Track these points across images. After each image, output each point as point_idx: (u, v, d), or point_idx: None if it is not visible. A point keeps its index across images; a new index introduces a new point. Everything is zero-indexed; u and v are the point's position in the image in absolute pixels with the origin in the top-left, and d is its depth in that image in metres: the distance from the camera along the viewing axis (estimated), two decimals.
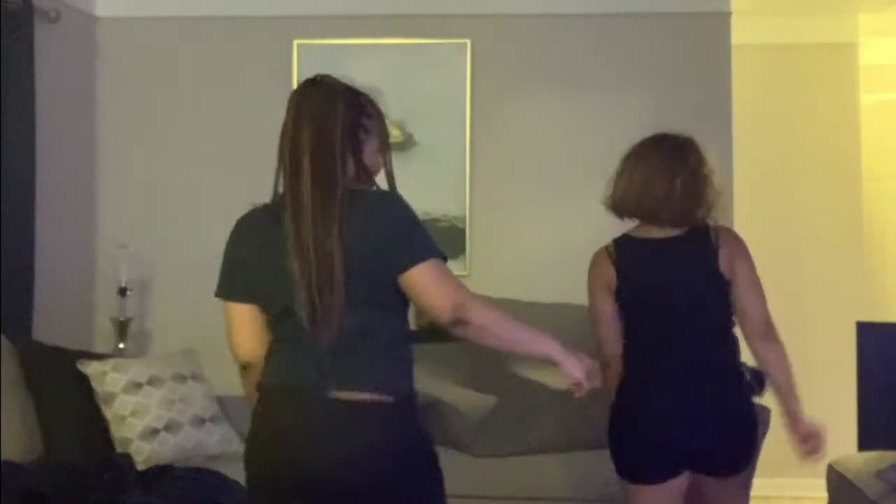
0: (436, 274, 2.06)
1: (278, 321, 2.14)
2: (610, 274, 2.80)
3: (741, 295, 2.73)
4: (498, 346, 2.15)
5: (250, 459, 2.14)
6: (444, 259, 2.10)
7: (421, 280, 2.05)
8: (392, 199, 2.12)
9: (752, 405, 2.77)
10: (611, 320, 2.82)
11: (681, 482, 2.74)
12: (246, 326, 2.18)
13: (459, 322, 2.05)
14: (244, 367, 2.22)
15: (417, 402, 2.15)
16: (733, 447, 2.75)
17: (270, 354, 2.16)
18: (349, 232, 2.03)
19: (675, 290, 2.76)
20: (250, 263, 2.15)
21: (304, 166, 2.06)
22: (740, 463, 2.77)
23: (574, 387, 2.13)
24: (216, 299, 2.21)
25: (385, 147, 2.21)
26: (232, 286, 2.18)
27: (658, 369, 2.76)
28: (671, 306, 2.76)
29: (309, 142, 2.07)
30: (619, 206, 2.82)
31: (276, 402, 2.10)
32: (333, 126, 2.10)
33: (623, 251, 2.81)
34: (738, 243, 2.78)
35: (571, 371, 2.11)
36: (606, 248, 2.85)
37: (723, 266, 2.73)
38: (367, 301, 2.06)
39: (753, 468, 2.89)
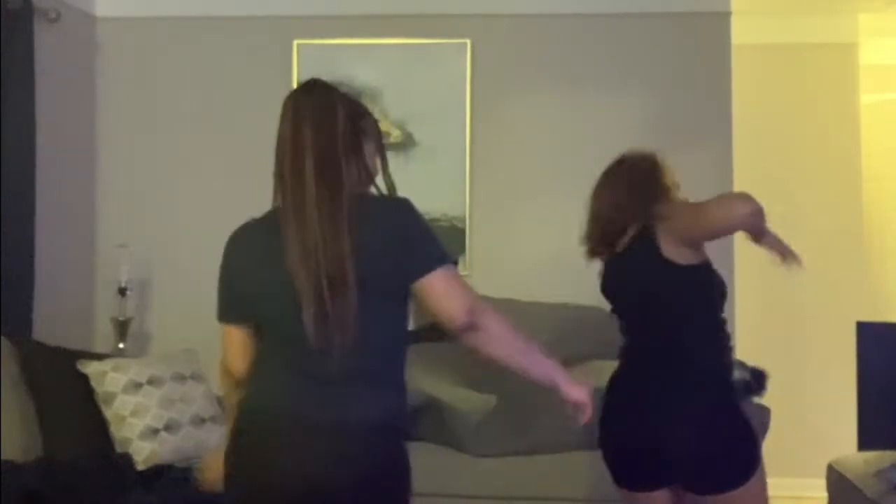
0: (450, 280, 2.06)
1: (274, 340, 2.09)
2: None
3: (692, 222, 2.59)
4: (502, 358, 2.12)
5: (236, 480, 2.08)
6: (455, 263, 2.13)
7: (437, 286, 2.04)
8: (404, 204, 2.11)
9: (735, 414, 2.59)
10: None
11: (664, 495, 2.63)
12: (244, 348, 2.14)
13: (472, 327, 2.06)
14: (238, 384, 2.16)
15: (406, 427, 2.15)
16: (707, 460, 2.54)
17: (260, 375, 2.10)
18: (359, 235, 2.00)
19: (636, 302, 2.73)
20: (244, 280, 2.11)
21: (308, 169, 2.03)
22: (722, 480, 2.54)
23: (577, 408, 2.13)
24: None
25: (381, 148, 2.20)
26: (230, 308, 2.14)
27: (628, 376, 2.73)
28: (637, 317, 2.74)
29: (311, 144, 2.05)
30: (588, 241, 2.82)
31: (265, 425, 2.04)
32: (334, 128, 2.08)
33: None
34: (667, 212, 2.66)
35: (575, 394, 2.12)
36: None
37: (665, 248, 2.61)
38: (373, 309, 2.02)
39: (755, 489, 2.58)
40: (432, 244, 2.09)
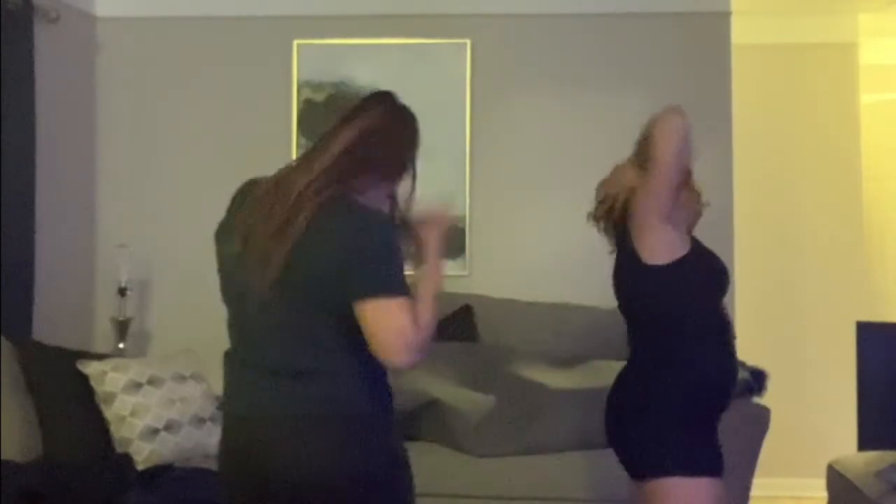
0: (383, 313, 1.93)
1: (231, 327, 2.11)
2: None
3: (657, 183, 2.54)
4: None
5: (225, 478, 2.14)
6: (404, 296, 1.96)
7: (367, 317, 1.93)
8: (379, 220, 2.06)
9: (667, 403, 2.53)
10: None
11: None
12: None
13: (413, 364, 1.95)
14: None
15: (380, 421, 2.06)
16: (625, 442, 2.59)
17: (226, 373, 2.13)
18: (322, 225, 1.97)
19: (626, 306, 2.71)
20: (218, 245, 2.13)
21: (341, 137, 2.06)
22: (639, 464, 2.56)
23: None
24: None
25: (410, 198, 2.23)
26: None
27: (626, 377, 2.69)
28: (629, 319, 2.71)
29: (368, 126, 2.11)
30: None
31: (235, 428, 2.10)
32: (399, 133, 2.20)
33: None
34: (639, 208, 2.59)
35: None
36: None
37: (641, 248, 2.55)
38: (318, 304, 1.98)
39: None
40: (377, 270, 1.96)
